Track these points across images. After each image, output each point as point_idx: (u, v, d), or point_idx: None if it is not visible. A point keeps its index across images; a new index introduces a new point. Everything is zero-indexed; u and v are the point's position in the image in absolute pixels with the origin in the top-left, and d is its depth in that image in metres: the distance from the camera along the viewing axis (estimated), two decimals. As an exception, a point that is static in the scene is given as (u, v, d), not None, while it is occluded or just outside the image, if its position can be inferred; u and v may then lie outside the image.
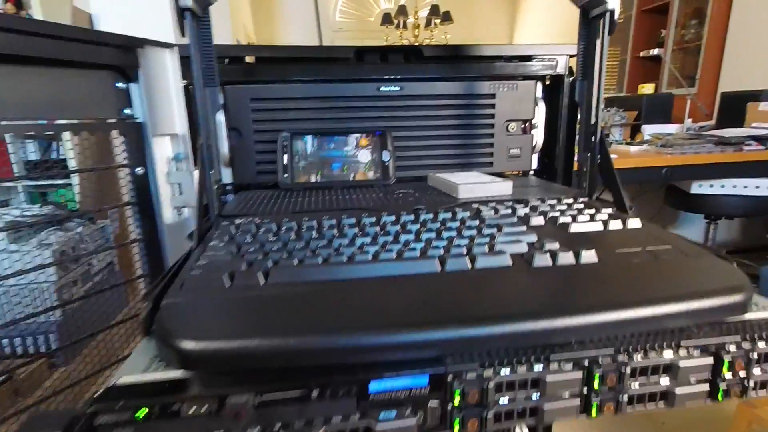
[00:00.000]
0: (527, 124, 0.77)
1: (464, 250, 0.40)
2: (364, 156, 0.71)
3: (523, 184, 0.69)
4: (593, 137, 0.58)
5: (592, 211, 0.50)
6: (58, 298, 1.33)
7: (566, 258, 0.37)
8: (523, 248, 0.40)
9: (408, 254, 0.39)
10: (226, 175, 0.73)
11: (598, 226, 0.46)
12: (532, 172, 0.81)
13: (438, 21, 4.48)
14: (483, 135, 0.77)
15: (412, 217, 0.49)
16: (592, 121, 0.58)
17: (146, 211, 0.63)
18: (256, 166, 0.72)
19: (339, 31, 5.09)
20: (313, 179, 0.70)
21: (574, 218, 0.48)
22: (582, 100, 0.59)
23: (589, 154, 0.59)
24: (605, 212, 0.50)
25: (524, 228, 0.45)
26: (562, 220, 0.48)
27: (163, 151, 0.66)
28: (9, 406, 0.85)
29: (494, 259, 0.38)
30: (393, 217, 0.49)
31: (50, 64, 0.52)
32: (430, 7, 4.54)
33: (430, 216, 0.50)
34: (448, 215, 0.50)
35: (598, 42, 0.56)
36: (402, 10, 4.45)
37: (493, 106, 0.76)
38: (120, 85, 0.59)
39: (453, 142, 0.76)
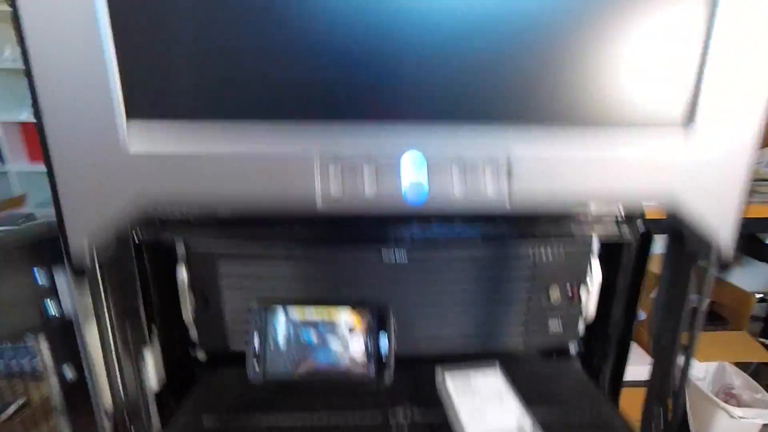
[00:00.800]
0: (575, 290, 0.59)
1: None
2: (357, 343, 0.55)
3: (561, 398, 0.52)
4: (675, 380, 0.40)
5: None
6: None
7: None
8: None
9: None
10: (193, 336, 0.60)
11: None
12: (574, 352, 0.63)
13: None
14: (514, 305, 0.59)
15: None
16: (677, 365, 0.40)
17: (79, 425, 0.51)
18: (226, 339, 0.59)
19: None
20: (289, 372, 0.54)
21: None
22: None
23: (663, 408, 0.42)
24: None
25: None
26: None
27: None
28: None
29: None
30: None
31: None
32: None
33: None
34: None
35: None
36: None
37: (530, 269, 0.58)
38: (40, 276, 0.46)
39: (473, 316, 0.59)
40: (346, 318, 0.55)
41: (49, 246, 0.46)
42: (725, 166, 0.32)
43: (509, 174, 0.30)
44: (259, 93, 0.29)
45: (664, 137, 0.31)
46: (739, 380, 1.14)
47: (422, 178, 0.30)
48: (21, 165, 1.97)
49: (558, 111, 0.30)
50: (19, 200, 1.50)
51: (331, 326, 0.55)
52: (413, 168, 0.30)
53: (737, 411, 1.00)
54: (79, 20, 0.27)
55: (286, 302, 0.55)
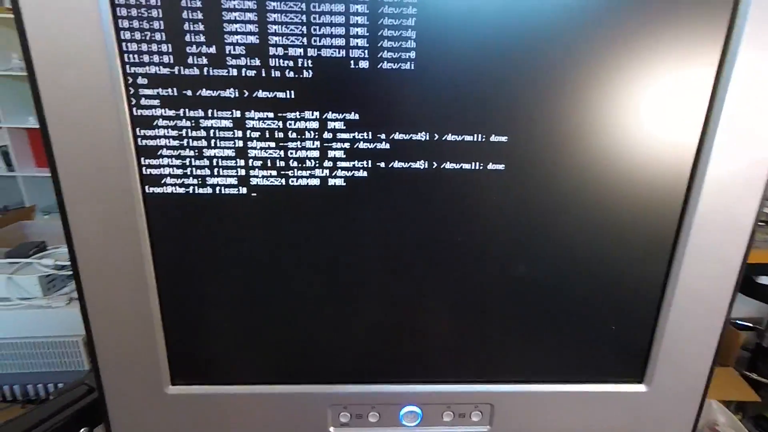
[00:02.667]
0: None
1: None
2: None
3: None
4: None
5: None
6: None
7: None
8: None
9: None
10: None
11: None
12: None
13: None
14: None
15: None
16: None
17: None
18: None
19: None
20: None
21: None
22: None
23: None
24: None
25: None
26: None
27: None
28: None
29: None
30: None
31: None
32: None
33: None
34: None
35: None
36: None
37: None
38: None
39: None
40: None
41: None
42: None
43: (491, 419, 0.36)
44: (288, 363, 0.35)
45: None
46: (723, 417, 1.14)
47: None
48: (28, 170, 2.00)
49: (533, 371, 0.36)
50: (29, 211, 1.52)
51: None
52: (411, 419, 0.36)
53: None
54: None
55: None
